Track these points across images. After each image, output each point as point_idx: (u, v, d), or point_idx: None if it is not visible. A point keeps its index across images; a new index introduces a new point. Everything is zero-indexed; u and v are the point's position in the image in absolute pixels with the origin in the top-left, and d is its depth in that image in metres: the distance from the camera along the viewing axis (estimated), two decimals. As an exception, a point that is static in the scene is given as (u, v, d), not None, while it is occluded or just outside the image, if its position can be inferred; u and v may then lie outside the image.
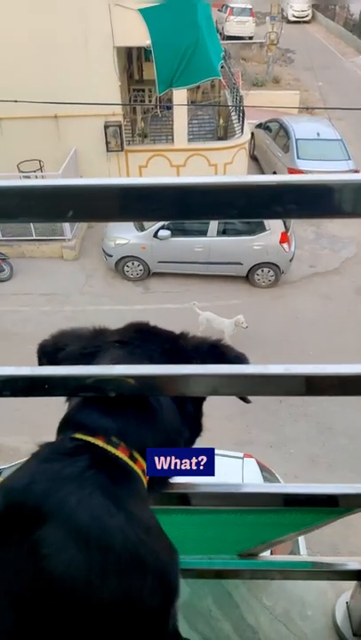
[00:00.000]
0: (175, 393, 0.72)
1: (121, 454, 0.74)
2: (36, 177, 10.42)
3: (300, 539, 4.47)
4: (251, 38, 24.51)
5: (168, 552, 0.75)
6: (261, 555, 1.15)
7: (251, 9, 25.39)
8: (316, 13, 31.63)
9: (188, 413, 0.85)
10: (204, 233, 9.39)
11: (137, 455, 0.76)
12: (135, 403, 0.78)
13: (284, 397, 7.18)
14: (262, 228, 9.32)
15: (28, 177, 10.31)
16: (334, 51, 25.55)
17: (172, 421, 0.82)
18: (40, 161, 10.65)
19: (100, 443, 0.74)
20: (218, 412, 7.13)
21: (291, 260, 9.60)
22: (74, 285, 9.75)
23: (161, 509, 1.00)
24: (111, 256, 9.72)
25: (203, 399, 0.90)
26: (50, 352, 0.89)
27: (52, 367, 0.73)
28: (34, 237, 10.29)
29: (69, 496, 0.68)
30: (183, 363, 0.81)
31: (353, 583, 1.11)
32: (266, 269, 9.54)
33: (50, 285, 9.69)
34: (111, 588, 0.66)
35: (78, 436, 0.75)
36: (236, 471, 4.99)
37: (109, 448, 0.74)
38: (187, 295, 9.27)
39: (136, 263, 9.70)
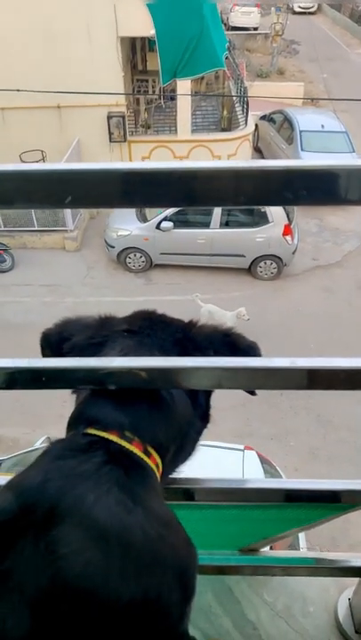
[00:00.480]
0: (179, 386, 0.71)
1: (135, 449, 0.73)
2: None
3: (300, 533, 4.48)
4: (256, 29, 24.31)
5: (187, 547, 0.75)
6: (262, 550, 1.14)
7: (256, -1, 25.17)
8: (321, 5, 31.31)
9: (199, 405, 0.84)
10: (206, 225, 9.36)
11: (150, 449, 0.74)
12: (146, 395, 0.76)
13: (284, 390, 7.22)
14: (265, 221, 9.28)
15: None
16: (340, 42, 25.32)
17: (184, 414, 0.80)
18: (42, 151, 10.60)
19: (114, 438, 0.72)
20: (218, 404, 7.07)
21: (293, 253, 9.57)
22: (75, 276, 9.73)
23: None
24: (113, 247, 9.69)
25: (211, 391, 0.88)
26: (54, 342, 0.86)
27: (50, 359, 0.71)
28: (36, 228, 10.26)
29: (87, 494, 0.66)
30: (196, 352, 0.79)
31: (356, 580, 1.10)
32: (268, 262, 9.52)
33: (51, 276, 9.67)
34: (130, 588, 0.64)
35: (91, 431, 0.73)
36: (236, 463, 5.00)
37: (123, 443, 0.72)
38: (189, 287, 9.24)
39: (138, 254, 9.67)
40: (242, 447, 5.32)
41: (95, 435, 0.73)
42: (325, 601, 1.14)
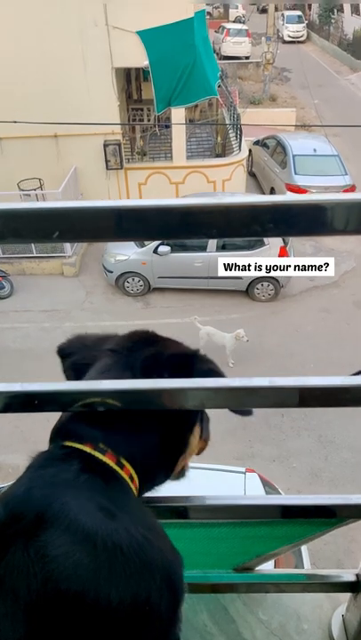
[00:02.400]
0: (162, 407, 0.74)
1: (108, 460, 0.76)
2: (37, 195, 10.54)
3: (305, 554, 4.43)
4: (247, 58, 24.93)
5: (173, 551, 0.76)
6: (257, 568, 1.15)
7: (247, 30, 25.86)
8: (310, 33, 32.20)
9: (181, 426, 0.85)
10: (203, 248, 9.46)
11: (124, 461, 0.77)
12: (125, 412, 0.79)
13: (285, 411, 7.17)
14: (261, 243, 9.39)
15: (29, 195, 10.42)
16: (329, 69, 25.96)
17: (162, 434, 0.83)
18: (40, 179, 10.77)
19: (87, 449, 0.75)
20: (220, 427, 7.09)
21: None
22: (74, 302, 9.80)
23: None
24: (111, 272, 9.78)
25: (202, 417, 0.90)
26: (63, 357, 0.92)
27: (41, 383, 0.74)
28: (34, 255, 10.37)
29: (70, 500, 0.68)
30: (157, 371, 0.82)
31: (348, 595, 1.11)
32: (265, 283, 9.59)
33: (50, 302, 9.74)
34: (119, 590, 0.66)
35: (68, 443, 0.77)
36: (238, 486, 4.96)
37: (96, 454, 0.75)
38: (187, 310, 9.30)
39: (136, 279, 9.75)
40: (243, 470, 5.28)
41: (71, 446, 0.76)
42: (319, 618, 1.15)
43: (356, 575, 1.06)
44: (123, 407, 0.75)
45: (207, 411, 0.92)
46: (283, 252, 9.38)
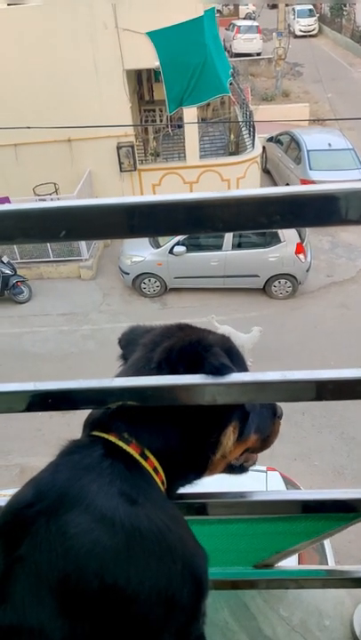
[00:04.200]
0: (175, 403, 0.74)
1: (132, 450, 0.77)
2: (52, 199, 10.63)
3: (328, 552, 4.40)
4: (259, 54, 24.80)
5: (195, 544, 0.77)
6: (276, 565, 1.15)
7: (257, 26, 25.73)
8: (322, 27, 31.87)
9: (210, 428, 0.84)
10: (219, 247, 9.44)
11: (148, 453, 0.78)
12: (154, 408, 0.81)
13: (306, 409, 7.11)
14: (277, 240, 9.33)
15: (44, 200, 10.52)
16: (342, 62, 25.66)
17: (196, 425, 0.82)
18: (55, 184, 10.87)
19: (112, 438, 0.78)
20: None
21: (307, 271, 9.56)
22: (92, 304, 9.86)
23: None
24: (128, 274, 9.82)
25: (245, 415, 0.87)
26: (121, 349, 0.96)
27: (53, 382, 0.76)
28: (51, 259, 10.47)
29: (90, 483, 0.71)
30: (170, 367, 0.81)
31: (369, 592, 1.10)
32: (283, 281, 9.53)
33: (68, 305, 9.82)
34: (139, 570, 0.67)
35: (95, 433, 0.80)
36: (259, 485, 4.93)
37: (120, 443, 0.77)
38: (204, 310, 9.28)
39: (153, 280, 9.77)
40: (264, 468, 5.25)
41: (97, 435, 0.79)
42: (341, 614, 1.14)
43: (378, 571, 1.05)
44: (138, 405, 0.76)
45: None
46: (299, 249, 9.31)
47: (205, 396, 0.72)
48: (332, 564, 4.24)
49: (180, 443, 0.81)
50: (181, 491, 0.93)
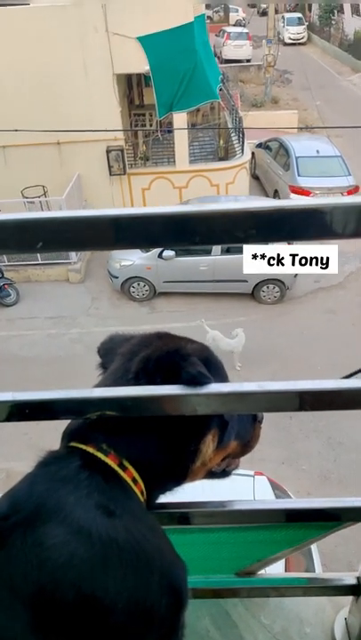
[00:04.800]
0: (155, 413, 0.75)
1: (110, 461, 0.77)
2: (41, 202, 10.60)
3: (315, 556, 4.42)
4: (248, 61, 24.98)
5: (175, 555, 0.77)
6: (259, 572, 1.15)
7: (247, 33, 25.92)
8: (311, 35, 32.20)
9: (188, 437, 0.84)
10: (208, 252, 9.47)
11: (127, 464, 0.78)
12: (132, 418, 0.80)
13: (294, 413, 7.14)
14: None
15: (33, 203, 10.48)
16: (331, 70, 25.94)
17: (175, 439, 0.82)
18: (44, 186, 10.84)
19: (90, 449, 0.77)
20: (227, 431, 7.10)
21: (295, 276, 9.63)
22: (80, 308, 9.83)
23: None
24: (117, 277, 9.81)
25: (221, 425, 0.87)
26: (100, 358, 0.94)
27: (31, 392, 0.75)
28: (39, 262, 10.42)
29: (67, 495, 0.70)
30: (146, 378, 0.81)
31: (350, 598, 1.11)
32: (271, 286, 9.58)
33: (56, 308, 9.77)
34: (116, 583, 0.66)
35: (73, 444, 0.79)
36: (246, 489, 4.93)
37: (99, 454, 0.77)
38: (193, 314, 9.30)
39: (142, 284, 9.77)
40: (252, 473, 5.25)
41: (75, 446, 0.78)
42: (322, 621, 1.14)
43: (357, 578, 1.06)
44: (117, 415, 0.76)
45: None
46: (287, 254, 9.36)
47: (185, 407, 0.73)
48: (318, 570, 4.26)
49: (159, 452, 0.81)
50: (162, 500, 0.93)
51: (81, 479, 0.73)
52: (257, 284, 9.54)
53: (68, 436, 0.81)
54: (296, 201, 0.54)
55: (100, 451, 0.77)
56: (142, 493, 0.79)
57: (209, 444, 0.85)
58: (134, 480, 0.78)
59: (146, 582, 0.69)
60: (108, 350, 0.93)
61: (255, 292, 9.64)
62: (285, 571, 3.42)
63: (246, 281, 9.53)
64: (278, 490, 5.16)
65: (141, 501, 0.79)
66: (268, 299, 9.68)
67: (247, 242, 0.56)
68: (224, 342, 7.88)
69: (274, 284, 9.53)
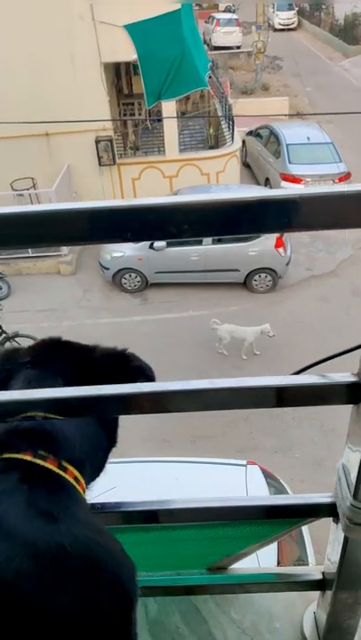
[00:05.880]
0: (89, 414, 0.73)
1: (50, 465, 0.75)
2: (30, 195, 10.51)
3: (308, 544, 4.44)
4: (238, 48, 24.75)
5: (122, 554, 0.75)
6: (230, 568, 1.15)
7: (237, 19, 25.65)
8: (301, 20, 31.89)
9: (105, 425, 0.88)
10: (199, 242, 9.43)
11: (66, 464, 0.77)
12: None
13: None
14: (257, 234, 9.35)
15: (22, 195, 10.40)
16: (321, 56, 25.73)
17: (93, 432, 0.84)
18: (33, 178, 10.75)
19: (28, 457, 0.75)
20: (221, 419, 7.13)
21: (287, 265, 9.61)
22: (72, 300, 9.79)
23: (126, 528, 1.00)
24: (108, 269, 9.77)
25: None
26: None
27: None
28: (30, 255, 10.36)
29: (9, 510, 0.68)
30: (92, 373, 0.82)
31: (318, 593, 1.11)
32: (263, 275, 9.56)
33: (47, 301, 9.73)
34: (67, 592, 0.65)
35: (6, 455, 0.76)
36: (239, 480, 4.95)
37: (38, 461, 0.75)
38: (185, 304, 9.28)
39: (133, 275, 9.74)
40: (244, 462, 5.27)
41: (10, 457, 0.75)
42: (291, 616, 1.14)
43: (323, 573, 1.05)
44: (63, 417, 0.74)
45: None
46: (279, 243, 9.34)
47: (121, 407, 0.71)
48: (311, 558, 4.29)
49: (92, 445, 0.82)
50: (128, 499, 0.92)
51: (22, 490, 0.70)
52: (249, 274, 9.53)
53: None
54: (275, 191, 0.52)
55: (37, 457, 0.75)
56: (84, 491, 0.79)
57: (116, 440, 0.90)
58: (76, 479, 0.77)
59: (95, 587, 0.68)
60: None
61: (247, 281, 9.63)
62: (278, 560, 3.44)
63: (238, 270, 9.52)
64: (271, 478, 5.18)
65: (85, 501, 0.78)
66: (260, 288, 9.66)
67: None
68: (239, 331, 7.95)
69: (266, 272, 9.52)
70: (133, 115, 13.62)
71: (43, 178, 10.67)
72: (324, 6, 29.51)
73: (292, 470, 6.37)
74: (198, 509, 1.00)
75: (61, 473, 0.75)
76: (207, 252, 9.40)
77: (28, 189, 10.59)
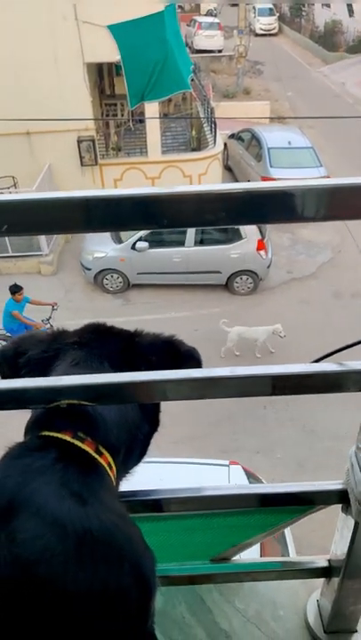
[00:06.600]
0: (125, 401, 0.74)
1: (88, 448, 0.76)
2: (10, 193, 10.38)
3: (290, 542, 4.48)
4: (220, 51, 24.89)
5: (143, 544, 0.76)
6: (233, 558, 1.16)
7: (219, 23, 25.82)
8: (282, 26, 32.29)
9: (148, 409, 0.88)
10: (181, 243, 9.46)
11: (102, 449, 0.78)
12: None
13: (268, 402, 7.21)
14: (238, 237, 9.43)
15: (2, 193, 10.26)
16: (301, 62, 26.09)
17: (134, 417, 0.85)
18: (13, 177, 10.63)
19: (67, 437, 0.76)
20: (204, 420, 7.15)
21: (268, 267, 9.70)
22: (53, 300, 9.70)
23: (131, 517, 1.01)
24: (90, 269, 9.72)
25: None
26: (10, 357, 0.90)
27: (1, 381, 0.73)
28: (10, 254, 10.24)
29: (42, 487, 0.69)
30: (140, 359, 0.84)
31: (322, 581, 1.13)
32: (244, 277, 9.63)
33: (29, 302, 9.62)
34: (88, 574, 0.65)
35: (45, 433, 0.77)
36: (222, 479, 4.98)
37: (76, 442, 0.76)
38: (167, 306, 9.29)
39: (115, 276, 9.71)
40: (227, 462, 5.30)
41: (49, 436, 0.76)
42: (295, 604, 1.17)
43: (328, 560, 1.08)
44: (90, 403, 0.75)
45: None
46: (260, 245, 9.43)
47: (156, 393, 0.72)
48: (293, 554, 4.34)
49: (128, 433, 0.82)
50: (136, 488, 0.93)
51: (57, 469, 0.71)
52: (230, 276, 9.59)
53: (37, 426, 0.79)
54: (268, 183, 0.54)
55: (76, 438, 0.76)
56: (115, 478, 0.80)
57: (158, 424, 0.90)
58: (110, 465, 0.78)
59: (117, 574, 0.69)
60: (33, 345, 0.90)
61: (229, 283, 9.69)
62: (260, 557, 3.46)
63: (220, 272, 9.58)
64: (253, 478, 5.22)
65: (114, 488, 0.79)
66: (241, 290, 9.73)
67: (217, 224, 0.55)
68: (250, 332, 8.01)
69: (247, 274, 9.59)
70: (116, 115, 13.60)
71: (24, 177, 10.57)
72: (304, 13, 29.94)
73: (274, 471, 6.42)
74: (204, 497, 1.01)
75: (97, 457, 0.76)
76: (189, 253, 9.44)
77: (8, 188, 10.48)
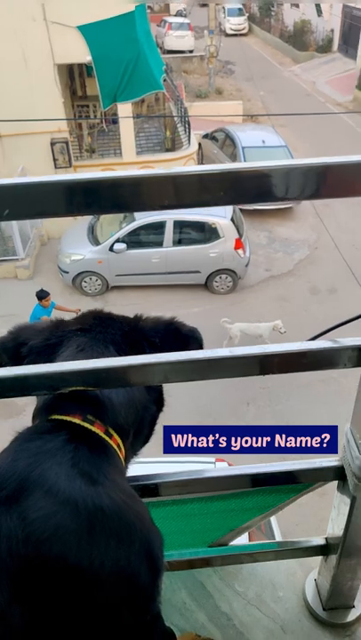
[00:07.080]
0: (128, 384, 0.75)
1: (97, 430, 0.77)
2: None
3: (277, 535, 4.53)
4: (191, 52, 24.95)
5: (151, 523, 0.78)
6: (230, 543, 1.18)
7: (189, 23, 25.88)
8: (252, 26, 32.53)
9: (154, 389, 0.90)
10: (159, 244, 9.46)
11: (112, 431, 0.79)
12: None
13: (251, 399, 7.25)
14: (216, 236, 9.48)
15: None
16: (272, 61, 26.34)
17: (140, 399, 0.86)
18: (-13, 181, 10.48)
19: (77, 420, 0.77)
20: (185, 417, 7.14)
21: (247, 266, 9.78)
22: (31, 305, 9.58)
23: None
24: (67, 272, 9.65)
25: None
26: (10, 348, 0.90)
27: (4, 369, 0.74)
28: (-14, 259, 10.11)
29: (53, 467, 0.70)
30: (144, 342, 0.85)
31: (319, 560, 1.16)
32: (224, 276, 9.69)
33: (5, 307, 9.49)
34: (100, 552, 0.66)
35: (55, 416, 0.78)
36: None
37: (86, 424, 0.77)
38: (147, 306, 9.21)
39: (94, 278, 9.65)
40: (213, 460, 5.33)
41: (59, 419, 0.77)
42: (293, 584, 1.19)
43: (326, 538, 1.10)
44: (92, 388, 0.75)
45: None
46: (238, 244, 9.49)
47: (158, 376, 0.73)
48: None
49: (135, 414, 0.83)
50: (133, 473, 0.94)
51: (67, 450, 0.72)
52: (210, 275, 9.63)
53: (46, 410, 0.80)
54: (265, 163, 0.55)
55: (85, 421, 0.77)
56: (124, 459, 0.81)
57: (163, 404, 0.92)
58: (118, 446, 0.79)
59: (127, 550, 0.70)
60: (34, 334, 0.91)
61: (208, 282, 9.73)
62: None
63: (199, 272, 9.61)
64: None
65: (124, 468, 0.80)
66: (221, 289, 9.79)
67: (216, 204, 0.57)
68: (252, 328, 8.02)
69: (226, 273, 9.65)
70: (88, 116, 13.53)
71: (-3, 180, 10.43)
72: (273, 13, 30.22)
73: (259, 466, 6.48)
74: (202, 480, 1.02)
75: (107, 438, 0.78)
76: (168, 253, 9.45)
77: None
